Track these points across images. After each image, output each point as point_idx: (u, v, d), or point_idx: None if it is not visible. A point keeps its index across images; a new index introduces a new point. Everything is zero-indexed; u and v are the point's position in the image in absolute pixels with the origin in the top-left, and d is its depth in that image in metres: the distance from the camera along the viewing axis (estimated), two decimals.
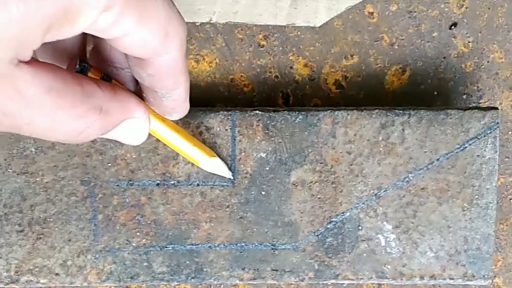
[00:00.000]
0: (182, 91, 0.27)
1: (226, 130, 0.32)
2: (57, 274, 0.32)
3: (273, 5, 0.28)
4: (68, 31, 0.21)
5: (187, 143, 0.30)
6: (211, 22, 0.29)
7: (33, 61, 0.22)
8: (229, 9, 0.28)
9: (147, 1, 0.22)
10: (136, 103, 0.27)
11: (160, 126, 0.29)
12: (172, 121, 0.29)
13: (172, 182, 0.33)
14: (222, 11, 0.28)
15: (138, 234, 0.32)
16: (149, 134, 0.28)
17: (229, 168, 0.32)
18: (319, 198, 0.33)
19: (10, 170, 0.32)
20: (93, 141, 0.32)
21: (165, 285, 0.35)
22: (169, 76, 0.25)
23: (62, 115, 0.24)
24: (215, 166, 0.32)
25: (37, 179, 0.32)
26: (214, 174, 0.32)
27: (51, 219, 0.32)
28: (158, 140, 0.32)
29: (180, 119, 0.32)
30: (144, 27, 0.22)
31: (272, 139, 0.32)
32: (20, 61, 0.21)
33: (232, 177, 0.33)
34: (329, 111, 0.32)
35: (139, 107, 0.27)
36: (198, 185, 0.33)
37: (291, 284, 0.35)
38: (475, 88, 0.35)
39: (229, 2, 0.28)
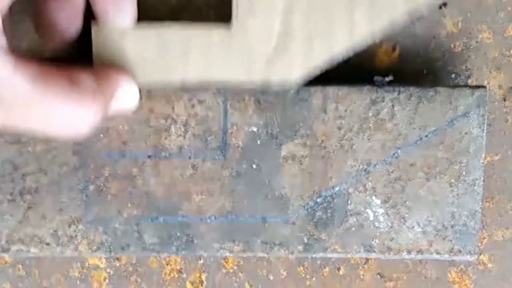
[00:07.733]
0: None
1: (218, 103, 0.33)
2: (47, 244, 0.33)
3: (247, 60, 0.31)
4: None
5: None
6: (185, 81, 0.31)
7: (14, 52, 0.22)
8: (201, 66, 0.31)
9: None
10: (116, 71, 0.28)
11: None
12: None
13: (164, 154, 0.33)
14: (195, 69, 0.31)
15: (129, 205, 0.33)
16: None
17: (222, 140, 0.33)
18: (309, 172, 0.33)
19: (2, 139, 0.32)
20: None
21: (155, 256, 0.35)
22: None
23: (57, 105, 0.24)
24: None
25: (29, 148, 0.32)
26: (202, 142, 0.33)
27: (43, 189, 0.32)
28: (150, 112, 0.32)
29: (173, 91, 0.32)
30: None
31: (264, 113, 0.32)
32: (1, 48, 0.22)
33: None
34: (320, 87, 0.32)
35: (120, 72, 0.28)
36: (189, 157, 0.33)
37: (281, 257, 0.36)
38: (464, 67, 0.35)
39: (201, 60, 0.31)
